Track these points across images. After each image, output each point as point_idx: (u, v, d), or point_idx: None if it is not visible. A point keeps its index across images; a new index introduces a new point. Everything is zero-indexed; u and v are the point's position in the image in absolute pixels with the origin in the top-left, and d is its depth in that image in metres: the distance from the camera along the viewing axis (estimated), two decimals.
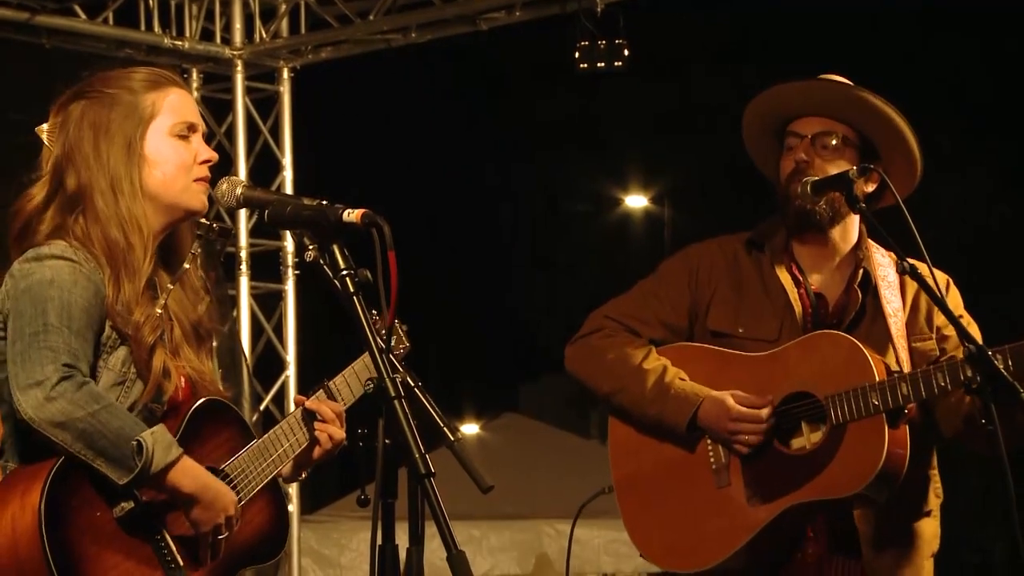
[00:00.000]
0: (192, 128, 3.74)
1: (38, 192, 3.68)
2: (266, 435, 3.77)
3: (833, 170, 4.45)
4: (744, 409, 4.42)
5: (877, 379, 4.31)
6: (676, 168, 20.02)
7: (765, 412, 4.41)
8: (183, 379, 3.71)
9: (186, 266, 3.77)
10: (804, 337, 4.46)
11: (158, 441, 3.48)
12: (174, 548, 3.58)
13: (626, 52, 8.94)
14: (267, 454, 3.75)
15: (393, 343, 3.94)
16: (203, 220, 3.79)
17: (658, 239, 21.40)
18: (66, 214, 3.64)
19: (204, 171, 3.74)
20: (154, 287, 3.70)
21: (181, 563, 3.58)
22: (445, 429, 3.26)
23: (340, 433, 3.79)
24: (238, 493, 3.69)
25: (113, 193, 3.64)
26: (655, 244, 21.21)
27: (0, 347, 3.58)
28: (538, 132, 20.82)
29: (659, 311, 4.64)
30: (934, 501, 4.54)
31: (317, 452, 3.81)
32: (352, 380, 3.85)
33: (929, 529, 4.53)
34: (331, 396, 3.83)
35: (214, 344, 4.88)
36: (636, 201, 22.11)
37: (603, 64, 8.96)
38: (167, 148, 3.70)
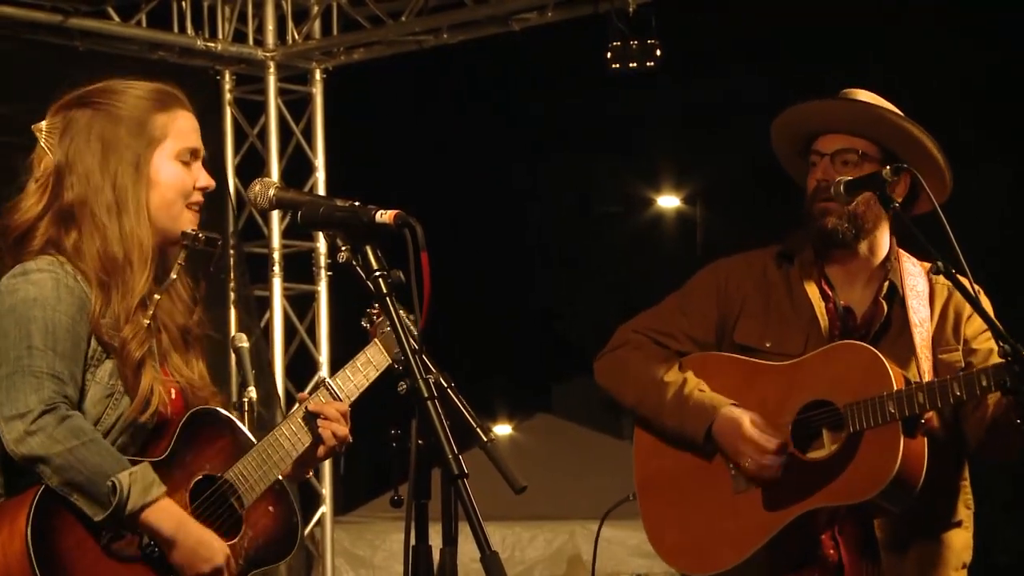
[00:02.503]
0: (195, 155, 3.73)
1: (34, 203, 3.64)
2: (266, 438, 3.75)
3: None
4: (756, 433, 4.43)
5: (895, 388, 4.32)
6: (709, 168, 19.98)
7: (773, 444, 4.41)
8: (174, 391, 3.68)
9: (173, 276, 3.74)
10: (826, 347, 4.47)
11: (136, 481, 3.46)
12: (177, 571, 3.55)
13: (658, 52, 8.92)
14: (268, 457, 3.72)
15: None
16: (189, 231, 3.75)
17: (690, 240, 21.37)
18: (60, 227, 3.61)
19: (199, 197, 3.74)
20: (144, 302, 3.67)
21: None
22: (478, 430, 3.26)
23: (344, 430, 3.76)
24: (241, 498, 3.68)
25: (117, 209, 3.62)
26: (687, 245, 21.18)
27: None
28: (569, 132, 20.80)
29: (687, 327, 4.67)
30: (964, 512, 4.54)
31: (322, 451, 3.79)
32: (355, 375, 3.81)
33: (959, 540, 4.53)
34: (334, 395, 3.80)
35: (245, 346, 4.90)
36: (668, 201, 22.08)
37: (635, 64, 8.95)
38: (170, 172, 3.68)
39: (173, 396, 3.68)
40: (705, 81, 18.52)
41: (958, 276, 4.26)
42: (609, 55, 8.99)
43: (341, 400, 3.80)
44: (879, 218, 4.52)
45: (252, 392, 4.68)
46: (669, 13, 8.96)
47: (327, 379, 3.82)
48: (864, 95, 4.58)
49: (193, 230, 3.73)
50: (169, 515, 3.50)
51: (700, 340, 4.66)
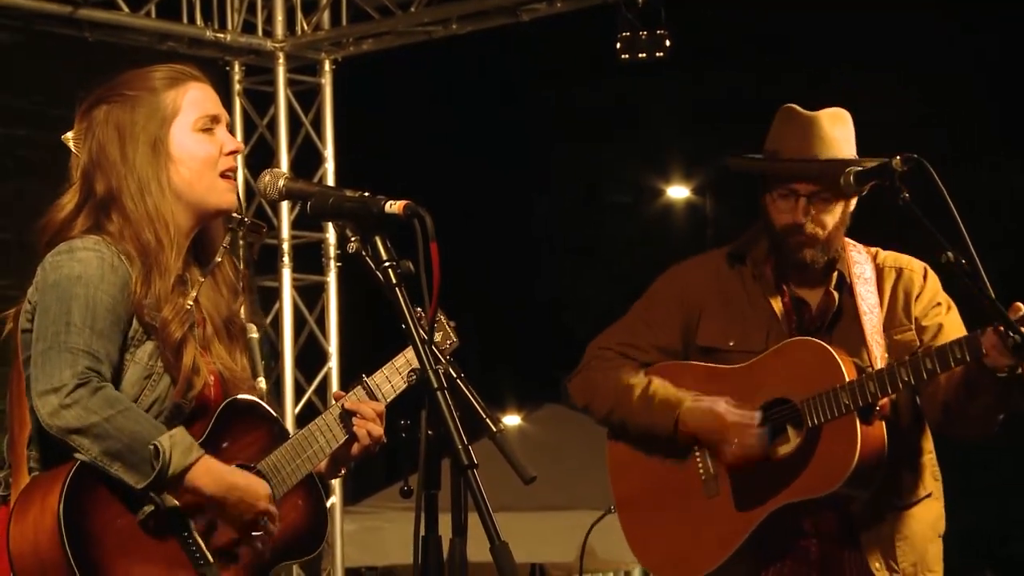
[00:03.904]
0: (215, 120, 3.73)
1: (69, 200, 3.68)
2: (301, 431, 3.76)
3: (830, 220, 4.56)
4: (735, 413, 4.54)
5: (847, 379, 4.43)
6: (719, 158, 19.92)
7: (756, 418, 4.53)
8: (213, 377, 3.68)
9: (218, 259, 3.76)
10: (778, 345, 4.59)
11: (176, 444, 3.46)
12: (203, 545, 3.56)
13: (668, 42, 8.91)
14: (301, 451, 3.73)
15: (440, 338, 3.94)
16: (235, 214, 3.78)
17: (700, 231, 21.34)
18: (100, 215, 3.64)
19: (231, 162, 3.74)
20: (185, 282, 3.69)
21: (211, 559, 3.56)
22: (487, 420, 3.26)
23: (379, 430, 3.76)
24: (272, 490, 3.66)
25: (142, 194, 3.63)
26: (697, 235, 21.15)
27: (30, 340, 3.58)
28: (578, 122, 20.78)
29: (651, 337, 4.78)
30: (932, 483, 4.65)
31: (356, 449, 3.79)
32: (393, 376, 3.82)
33: (931, 512, 4.64)
34: (371, 393, 3.80)
35: (256, 337, 4.90)
36: (678, 192, 22.04)
37: (644, 54, 8.94)
38: (192, 144, 3.69)
39: (212, 382, 3.68)
40: (715, 72, 18.49)
41: (968, 266, 4.29)
42: (618, 45, 8.98)
43: (378, 400, 3.80)
44: (844, 232, 4.63)
45: (262, 383, 4.69)
46: (679, 3, 8.95)
47: (365, 378, 3.82)
48: (826, 119, 4.61)
49: (238, 214, 3.75)
50: (210, 473, 3.51)
51: (667, 348, 4.76)
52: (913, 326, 4.61)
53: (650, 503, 4.75)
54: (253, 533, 3.60)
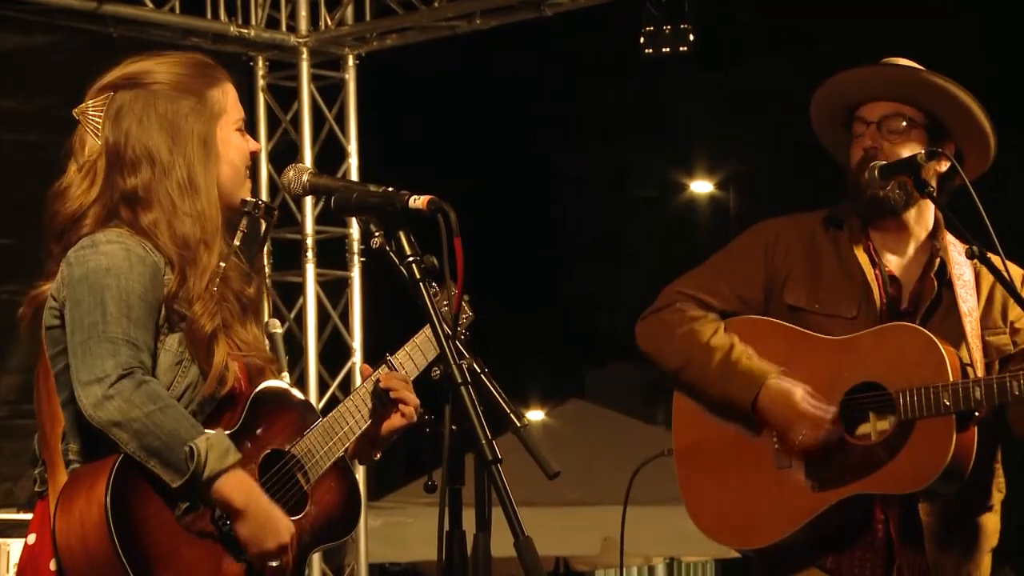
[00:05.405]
0: (244, 122, 3.79)
1: (84, 189, 3.63)
2: (331, 413, 3.77)
3: (904, 153, 4.42)
4: (810, 405, 4.37)
5: (951, 379, 4.27)
6: (742, 153, 19.92)
7: (830, 415, 4.36)
8: (239, 365, 3.69)
9: (237, 243, 3.77)
10: (880, 327, 4.41)
11: (212, 447, 3.46)
12: None
13: (691, 36, 8.90)
14: (333, 433, 3.74)
15: None
16: (250, 198, 3.79)
17: (724, 225, 21.33)
18: (129, 209, 3.61)
19: (249, 160, 3.78)
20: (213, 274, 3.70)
21: None
22: (511, 415, 3.26)
23: (415, 399, 3.77)
24: (307, 474, 3.69)
25: (191, 189, 3.63)
26: (721, 230, 21.13)
27: (58, 335, 3.58)
28: (603, 117, 20.77)
29: (734, 283, 4.59)
30: (996, 496, 4.53)
31: (397, 422, 3.79)
32: (415, 354, 3.83)
33: (991, 524, 4.53)
34: (394, 371, 3.82)
35: (279, 332, 4.92)
36: (701, 187, 22.03)
37: (668, 49, 8.92)
38: (235, 144, 3.72)
39: (240, 371, 3.70)
40: (739, 66, 18.47)
41: (992, 258, 4.25)
42: (642, 40, 8.97)
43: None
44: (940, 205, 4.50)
45: (286, 377, 4.71)
46: None
47: (388, 356, 3.83)
48: (905, 62, 4.56)
49: (254, 198, 3.77)
50: (241, 486, 3.51)
51: (747, 298, 4.58)
52: (1008, 329, 4.48)
53: (714, 462, 4.55)
54: (269, 563, 3.58)
